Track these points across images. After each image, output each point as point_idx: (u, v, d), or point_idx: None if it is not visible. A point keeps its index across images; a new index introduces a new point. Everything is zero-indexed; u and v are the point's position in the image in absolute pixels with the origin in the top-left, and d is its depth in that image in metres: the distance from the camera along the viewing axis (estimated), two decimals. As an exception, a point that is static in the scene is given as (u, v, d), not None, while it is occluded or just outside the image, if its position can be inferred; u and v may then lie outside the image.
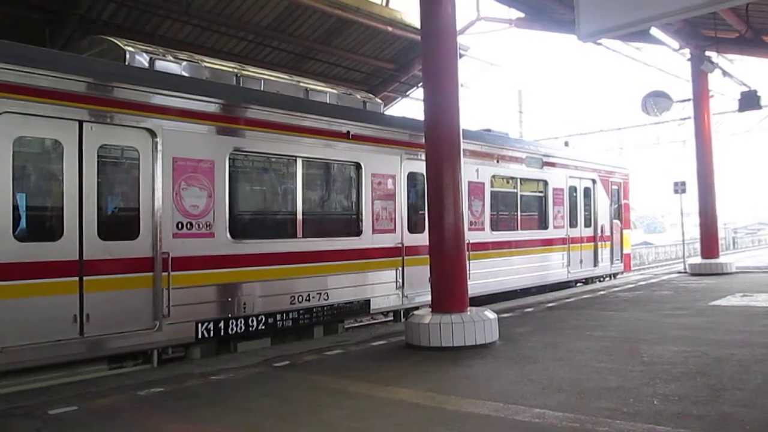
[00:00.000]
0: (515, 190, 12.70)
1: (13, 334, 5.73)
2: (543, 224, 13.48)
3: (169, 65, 7.83)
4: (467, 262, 10.03)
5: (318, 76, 18.36)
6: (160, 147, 6.88)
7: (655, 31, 13.68)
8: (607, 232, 15.69)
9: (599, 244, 15.32)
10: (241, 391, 5.59)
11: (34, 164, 6.31)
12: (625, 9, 5.64)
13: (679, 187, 17.77)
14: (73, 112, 6.27)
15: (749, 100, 16.38)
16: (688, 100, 18.82)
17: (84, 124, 6.35)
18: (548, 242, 13.47)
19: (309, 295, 8.39)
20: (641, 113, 20.74)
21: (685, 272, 16.63)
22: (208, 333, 7.26)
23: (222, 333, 7.40)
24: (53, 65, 6.26)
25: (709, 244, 16.51)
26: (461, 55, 16.11)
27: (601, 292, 12.65)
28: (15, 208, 5.91)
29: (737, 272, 15.93)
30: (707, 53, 15.93)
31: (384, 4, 16.80)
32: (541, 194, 13.52)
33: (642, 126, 28.59)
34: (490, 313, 7.47)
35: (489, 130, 12.96)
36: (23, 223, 6.01)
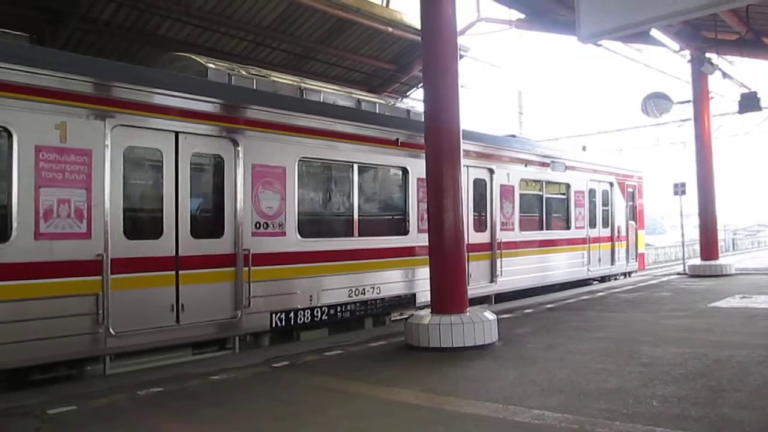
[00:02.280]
0: (541, 193, 13.45)
1: (124, 322, 6.52)
2: (566, 225, 14.24)
3: (243, 80, 8.56)
4: (499, 260, 11.65)
5: (318, 77, 18.37)
6: (241, 155, 7.65)
7: (655, 33, 13.68)
8: (623, 233, 16.47)
9: (616, 243, 16.07)
10: (240, 392, 5.59)
11: (141, 171, 7.14)
12: (625, 11, 5.65)
13: (679, 189, 17.77)
14: (171, 125, 7.06)
15: (749, 102, 16.38)
16: (688, 101, 18.82)
17: (179, 135, 7.12)
18: (570, 242, 14.25)
19: (364, 289, 9.19)
20: (641, 114, 20.74)
21: (685, 274, 16.62)
22: (280, 322, 8.04)
23: (291, 323, 8.14)
24: (159, 83, 7.10)
25: (709, 245, 16.51)
26: (461, 56, 16.12)
27: (601, 294, 12.65)
28: (126, 209, 6.68)
29: (737, 274, 15.93)
30: (707, 55, 15.93)
31: (384, 4, 16.79)
32: (564, 196, 14.26)
33: (642, 127, 28.61)
34: (489, 314, 7.48)
35: (513, 136, 14.03)
36: (132, 223, 6.79)
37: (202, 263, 7.22)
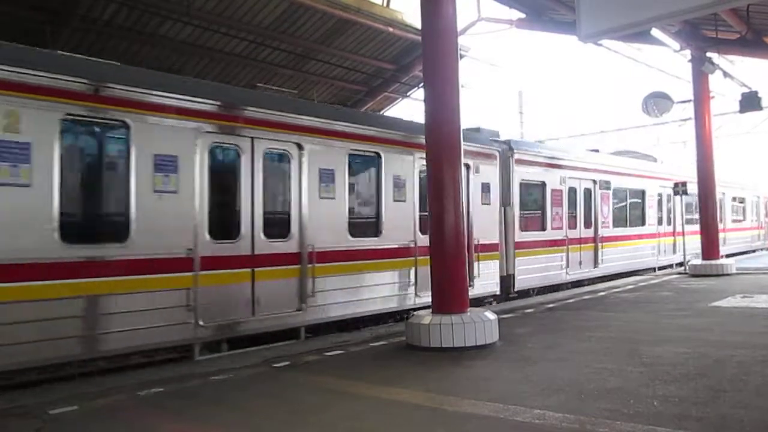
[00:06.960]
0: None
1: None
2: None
3: None
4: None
5: (319, 77, 18.38)
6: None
7: (655, 32, 13.65)
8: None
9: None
10: (240, 392, 5.59)
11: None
12: (625, 10, 5.65)
13: (680, 189, 17.75)
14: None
15: (750, 101, 16.34)
16: (689, 101, 18.79)
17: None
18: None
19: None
20: (642, 114, 20.75)
21: (686, 273, 16.62)
22: None
23: None
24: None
25: (710, 245, 16.49)
26: (462, 56, 16.11)
27: (602, 293, 12.65)
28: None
29: (738, 273, 15.89)
30: (708, 54, 15.90)
31: (384, 4, 16.78)
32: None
33: (643, 127, 28.60)
34: (490, 314, 7.48)
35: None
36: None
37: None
